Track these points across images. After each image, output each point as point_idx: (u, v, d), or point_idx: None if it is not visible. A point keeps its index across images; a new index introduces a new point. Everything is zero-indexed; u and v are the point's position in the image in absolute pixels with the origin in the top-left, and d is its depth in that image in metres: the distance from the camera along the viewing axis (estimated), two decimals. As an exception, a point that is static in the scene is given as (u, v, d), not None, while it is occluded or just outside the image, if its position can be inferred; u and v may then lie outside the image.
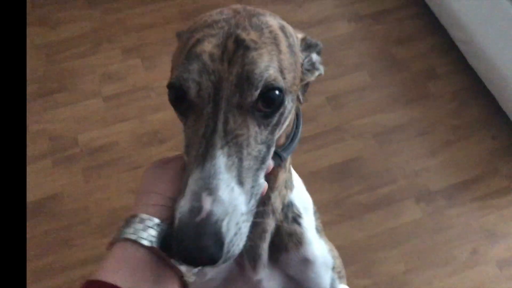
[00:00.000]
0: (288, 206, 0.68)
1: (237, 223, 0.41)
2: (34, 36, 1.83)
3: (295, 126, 0.59)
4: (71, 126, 1.59)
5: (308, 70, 0.55)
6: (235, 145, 0.43)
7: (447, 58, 1.77)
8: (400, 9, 1.94)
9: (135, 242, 0.43)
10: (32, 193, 1.45)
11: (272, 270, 0.72)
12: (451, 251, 1.33)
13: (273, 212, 0.64)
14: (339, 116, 1.61)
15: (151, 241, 0.43)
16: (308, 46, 0.55)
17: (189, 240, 0.39)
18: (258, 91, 0.44)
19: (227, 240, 0.40)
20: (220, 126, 0.43)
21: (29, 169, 1.50)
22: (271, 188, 0.61)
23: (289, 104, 0.49)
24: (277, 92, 0.45)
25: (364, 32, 1.86)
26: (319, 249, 0.73)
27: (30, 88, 1.68)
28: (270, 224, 0.65)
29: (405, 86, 1.70)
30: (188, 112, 0.47)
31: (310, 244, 0.71)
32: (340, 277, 0.84)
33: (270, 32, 0.48)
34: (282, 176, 0.62)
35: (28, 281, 1.30)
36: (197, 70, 0.44)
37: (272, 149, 0.49)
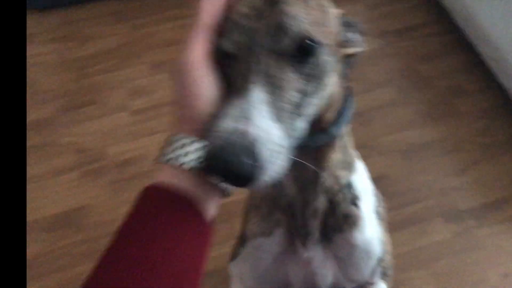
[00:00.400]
0: (348, 188, 0.69)
1: (272, 149, 0.43)
2: (65, 51, 1.88)
3: (345, 103, 0.60)
4: (100, 139, 1.62)
5: (346, 41, 0.56)
6: (269, 83, 0.46)
7: (475, 75, 1.75)
8: (427, 25, 1.93)
9: (175, 163, 0.46)
10: (60, 205, 1.48)
11: (324, 250, 0.74)
12: (481, 273, 1.30)
13: (325, 192, 0.66)
14: (365, 132, 1.60)
15: (192, 161, 0.45)
16: (346, 24, 0.56)
17: (225, 156, 0.41)
18: (290, 36, 0.47)
19: (261, 159, 0.41)
20: (254, 67, 0.46)
21: (57, 181, 1.53)
22: (320, 167, 0.62)
23: (326, 57, 0.50)
24: (308, 39, 0.47)
25: (390, 49, 1.86)
26: (371, 235, 0.74)
27: (60, 102, 1.72)
28: (322, 203, 0.67)
29: (433, 103, 1.68)
30: (227, 65, 0.49)
31: (364, 227, 0.72)
32: (383, 274, 0.85)
33: None
34: (332, 155, 0.63)
35: (54, 292, 1.32)
36: (233, 27, 0.48)
37: (310, 100, 0.49)
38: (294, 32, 0.47)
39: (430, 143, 1.58)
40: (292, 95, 0.47)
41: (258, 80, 0.45)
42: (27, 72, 1.82)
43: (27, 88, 1.77)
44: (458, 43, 1.84)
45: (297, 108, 0.48)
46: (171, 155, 0.46)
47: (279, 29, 0.47)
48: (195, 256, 0.45)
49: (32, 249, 1.39)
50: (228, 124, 0.42)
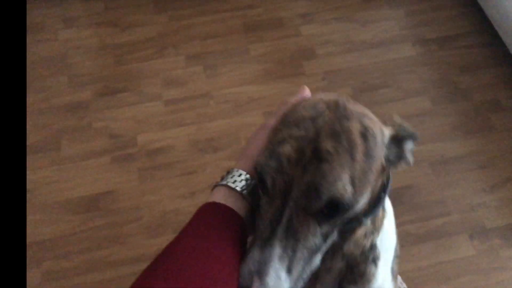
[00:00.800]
0: (371, 249, 0.68)
1: None
2: (105, 36, 1.92)
3: (381, 194, 0.59)
4: (132, 126, 1.65)
5: (393, 162, 0.57)
6: (293, 239, 0.50)
7: (514, 91, 1.71)
8: (468, 36, 1.89)
9: (232, 188, 0.57)
10: (89, 188, 1.51)
11: None
12: (504, 294, 1.28)
13: (343, 256, 0.66)
14: (395, 141, 1.58)
15: (242, 189, 0.57)
16: (398, 140, 0.57)
17: None
18: (323, 202, 0.49)
19: None
20: (284, 221, 0.50)
21: (88, 163, 1.57)
22: (343, 240, 0.62)
23: (358, 205, 0.52)
24: (342, 203, 0.50)
25: (428, 57, 1.82)
26: None
27: (97, 86, 1.76)
28: (337, 267, 0.67)
29: (467, 116, 1.65)
30: (266, 191, 0.53)
31: (377, 283, 0.71)
32: None
33: (348, 140, 0.51)
34: (359, 231, 0.63)
35: (76, 273, 1.36)
36: (275, 168, 0.51)
37: (330, 240, 0.54)
38: (329, 197, 0.49)
39: (461, 157, 1.55)
40: (314, 243, 0.51)
41: (283, 236, 0.49)
42: (68, 54, 1.87)
43: (67, 70, 1.82)
44: (499, 56, 1.80)
45: (315, 251, 0.52)
46: (229, 180, 0.58)
47: (316, 192, 0.49)
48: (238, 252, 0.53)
49: (58, 229, 1.44)
50: (245, 278, 0.49)
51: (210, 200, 0.57)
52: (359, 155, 0.51)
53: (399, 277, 1.30)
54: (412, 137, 0.57)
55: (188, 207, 1.46)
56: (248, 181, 0.58)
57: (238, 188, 0.57)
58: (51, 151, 1.60)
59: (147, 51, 1.86)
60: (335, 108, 0.53)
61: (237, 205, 0.56)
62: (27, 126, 1.66)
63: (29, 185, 1.52)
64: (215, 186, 0.59)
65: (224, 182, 0.58)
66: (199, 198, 1.48)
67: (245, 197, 0.57)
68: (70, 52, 1.88)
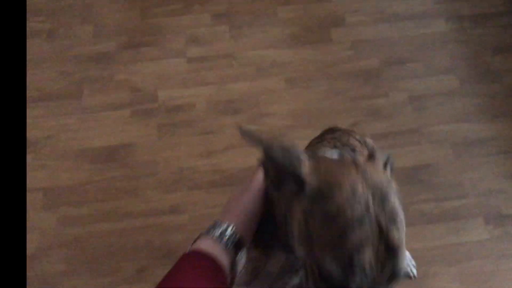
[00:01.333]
0: None
1: None
2: (132, -13, 1.89)
3: None
4: (153, 81, 1.64)
5: None
6: None
7: (548, 77, 1.65)
8: (506, 15, 1.81)
9: (216, 239, 0.62)
10: (108, 139, 1.53)
11: None
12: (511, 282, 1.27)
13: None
14: (419, 118, 1.55)
15: (226, 242, 0.62)
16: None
17: None
18: (398, 281, 0.54)
19: None
20: None
21: (108, 115, 1.58)
22: None
23: None
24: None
25: (461, 34, 1.76)
26: None
27: (121, 38, 1.74)
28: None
29: (496, 99, 1.60)
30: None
31: None
32: None
33: (399, 219, 0.54)
34: None
35: (90, 221, 1.39)
36: (359, 278, 0.53)
37: None
38: (401, 276, 0.53)
39: (484, 140, 1.51)
40: None
41: None
42: (94, 3, 1.84)
43: (92, 20, 1.80)
44: (536, 40, 1.73)
45: None
46: (216, 233, 0.63)
47: (394, 279, 0.53)
48: None
49: (76, 176, 1.46)
50: None
51: (195, 248, 0.61)
52: (403, 225, 0.55)
53: (408, 254, 1.30)
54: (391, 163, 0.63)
55: (204, 166, 1.47)
56: (233, 236, 0.63)
57: (223, 242, 0.62)
58: (72, 99, 1.61)
59: (173, 6, 1.83)
60: (370, 188, 0.55)
61: (221, 257, 0.60)
62: (50, 73, 1.66)
63: (49, 132, 1.54)
64: (201, 234, 0.63)
65: (211, 235, 0.63)
66: (216, 158, 1.48)
67: (229, 252, 0.62)
68: (97, 1, 1.86)
